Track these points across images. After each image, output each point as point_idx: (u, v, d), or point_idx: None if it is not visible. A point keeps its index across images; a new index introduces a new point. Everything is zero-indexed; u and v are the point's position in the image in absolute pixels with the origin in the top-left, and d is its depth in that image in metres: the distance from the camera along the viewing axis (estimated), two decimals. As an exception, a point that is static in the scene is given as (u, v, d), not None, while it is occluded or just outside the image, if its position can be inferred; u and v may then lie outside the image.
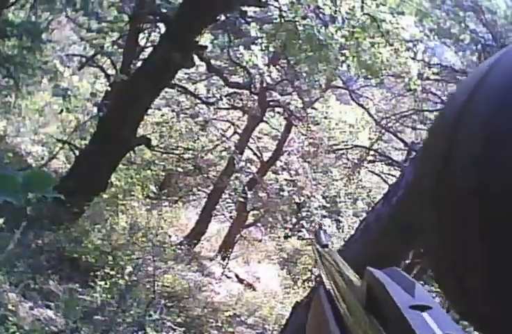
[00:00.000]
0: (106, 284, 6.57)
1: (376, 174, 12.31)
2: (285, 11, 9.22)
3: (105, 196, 8.73)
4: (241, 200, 11.18)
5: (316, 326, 0.69)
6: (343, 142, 12.00)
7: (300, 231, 12.32)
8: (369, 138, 12.11)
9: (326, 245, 0.97)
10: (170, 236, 9.52)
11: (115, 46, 11.65)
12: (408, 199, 3.80)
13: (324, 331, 0.60)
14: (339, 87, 12.63)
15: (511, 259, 0.34)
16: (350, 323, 0.54)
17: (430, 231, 0.40)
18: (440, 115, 0.42)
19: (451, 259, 0.38)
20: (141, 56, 11.01)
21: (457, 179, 0.36)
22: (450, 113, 0.39)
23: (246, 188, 10.74)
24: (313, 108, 12.34)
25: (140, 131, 9.79)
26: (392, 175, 11.22)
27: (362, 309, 0.51)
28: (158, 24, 10.95)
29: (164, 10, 10.21)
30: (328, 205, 12.34)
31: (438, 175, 0.38)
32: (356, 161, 11.73)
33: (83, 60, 11.81)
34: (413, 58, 9.92)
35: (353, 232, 5.57)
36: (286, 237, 12.85)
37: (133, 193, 9.43)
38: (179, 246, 9.11)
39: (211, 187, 11.89)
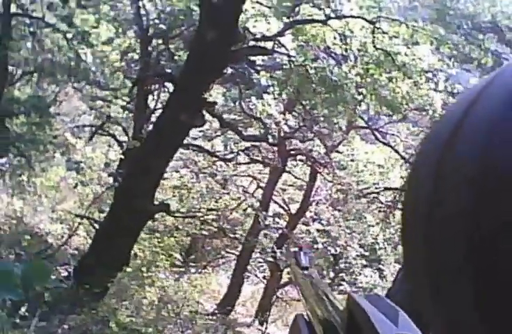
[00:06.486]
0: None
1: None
2: (294, 56, 8.93)
3: (129, 270, 8.25)
4: (271, 259, 10.57)
5: None
6: (374, 184, 11.36)
7: (341, 284, 11.58)
8: (401, 177, 11.44)
9: (306, 268, 0.95)
10: (202, 305, 8.93)
11: (126, 112, 11.44)
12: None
13: None
14: (362, 127, 12.09)
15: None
16: None
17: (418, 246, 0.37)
18: (432, 132, 0.39)
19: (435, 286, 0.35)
20: (152, 119, 10.75)
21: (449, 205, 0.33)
22: (443, 131, 0.36)
23: (275, 245, 10.18)
24: (337, 151, 11.84)
25: (160, 196, 9.40)
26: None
27: None
28: (166, 83, 10.74)
29: (169, 70, 10.03)
30: (367, 253, 11.66)
31: (430, 201, 0.35)
32: (390, 203, 11.06)
33: (94, 129, 11.61)
34: (435, 89, 9.48)
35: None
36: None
37: (158, 263, 8.96)
38: (211, 316, 8.50)
39: (240, 248, 11.32)
